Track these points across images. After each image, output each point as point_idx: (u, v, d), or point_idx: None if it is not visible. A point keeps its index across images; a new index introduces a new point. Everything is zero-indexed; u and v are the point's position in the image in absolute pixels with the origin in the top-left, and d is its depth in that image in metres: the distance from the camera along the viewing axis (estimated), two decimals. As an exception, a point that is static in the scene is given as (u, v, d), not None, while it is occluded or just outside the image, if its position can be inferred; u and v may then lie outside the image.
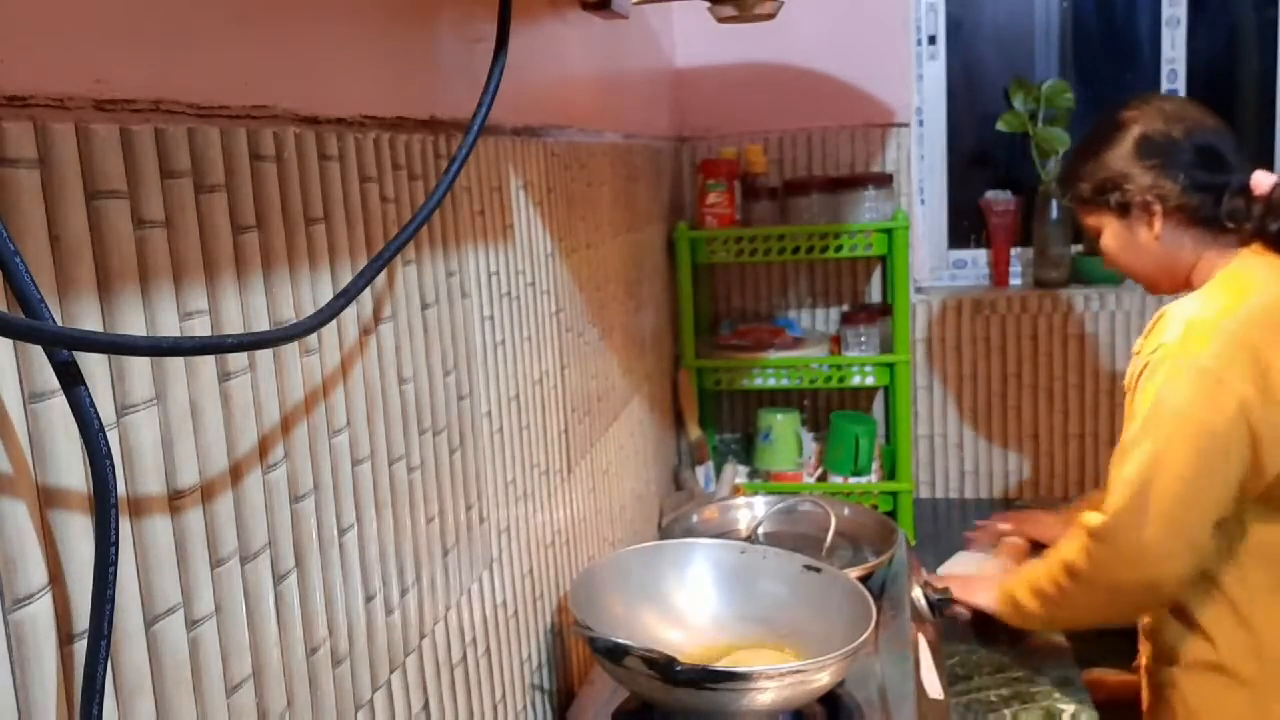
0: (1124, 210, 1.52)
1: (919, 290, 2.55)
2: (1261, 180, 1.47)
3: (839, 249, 2.24)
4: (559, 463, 1.38)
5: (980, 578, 1.74)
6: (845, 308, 2.50)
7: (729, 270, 2.55)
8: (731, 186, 2.30)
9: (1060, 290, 2.45)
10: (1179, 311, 1.43)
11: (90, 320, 0.55)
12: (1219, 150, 1.49)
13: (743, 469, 2.42)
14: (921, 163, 2.57)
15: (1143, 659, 1.57)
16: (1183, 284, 1.53)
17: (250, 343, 0.65)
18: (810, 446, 2.42)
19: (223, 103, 0.66)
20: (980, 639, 1.68)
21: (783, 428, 2.37)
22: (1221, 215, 1.47)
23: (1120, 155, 1.52)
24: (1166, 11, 2.49)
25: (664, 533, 1.77)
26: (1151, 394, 1.38)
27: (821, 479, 2.32)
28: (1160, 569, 1.39)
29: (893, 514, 2.20)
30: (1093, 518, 1.44)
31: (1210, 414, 1.35)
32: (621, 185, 1.82)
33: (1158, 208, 1.49)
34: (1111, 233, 1.55)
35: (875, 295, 2.52)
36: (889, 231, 2.22)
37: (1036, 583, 1.54)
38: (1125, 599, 1.45)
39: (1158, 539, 1.37)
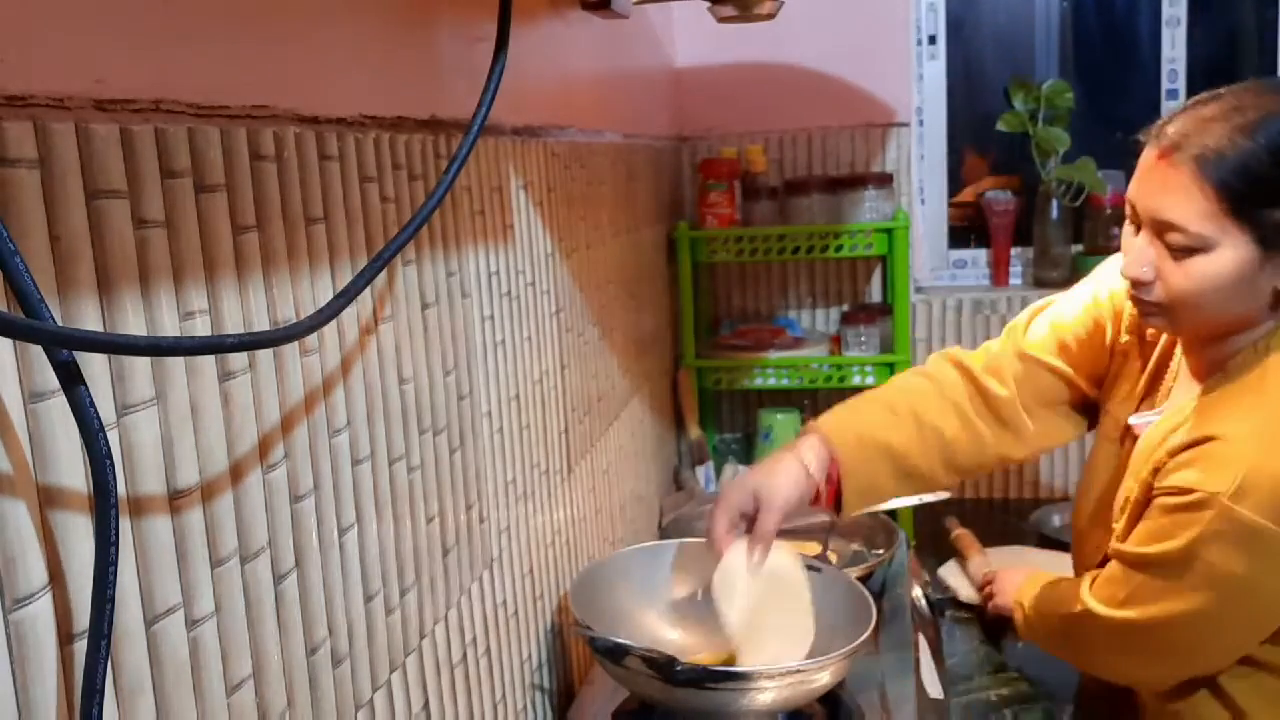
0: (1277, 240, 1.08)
1: (919, 290, 2.55)
2: None
3: (839, 249, 2.24)
4: (559, 463, 1.38)
5: (1015, 573, 1.54)
6: (845, 308, 2.50)
7: (729, 270, 2.55)
8: (731, 186, 2.30)
9: (1060, 290, 2.45)
10: (1238, 450, 1.09)
11: (90, 320, 0.55)
12: None
13: (743, 469, 2.41)
14: (921, 163, 2.57)
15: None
16: (1224, 351, 1.17)
17: (250, 343, 0.65)
18: (810, 446, 2.41)
19: (223, 103, 0.66)
20: (986, 636, 1.66)
21: (783, 428, 2.37)
22: None
23: None
24: (1166, 11, 2.49)
25: (664, 533, 1.77)
26: (1191, 536, 1.11)
27: (821, 479, 2.31)
28: (1156, 679, 1.24)
29: (893, 514, 2.20)
30: (1100, 607, 1.21)
31: (1272, 579, 1.11)
32: (621, 185, 1.82)
33: None
34: (1234, 258, 1.08)
35: (875, 295, 2.52)
36: (889, 231, 2.22)
37: (1043, 610, 1.34)
38: (1111, 676, 1.30)
39: (1164, 666, 1.21)
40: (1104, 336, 1.35)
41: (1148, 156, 1.14)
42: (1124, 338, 1.33)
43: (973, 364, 1.41)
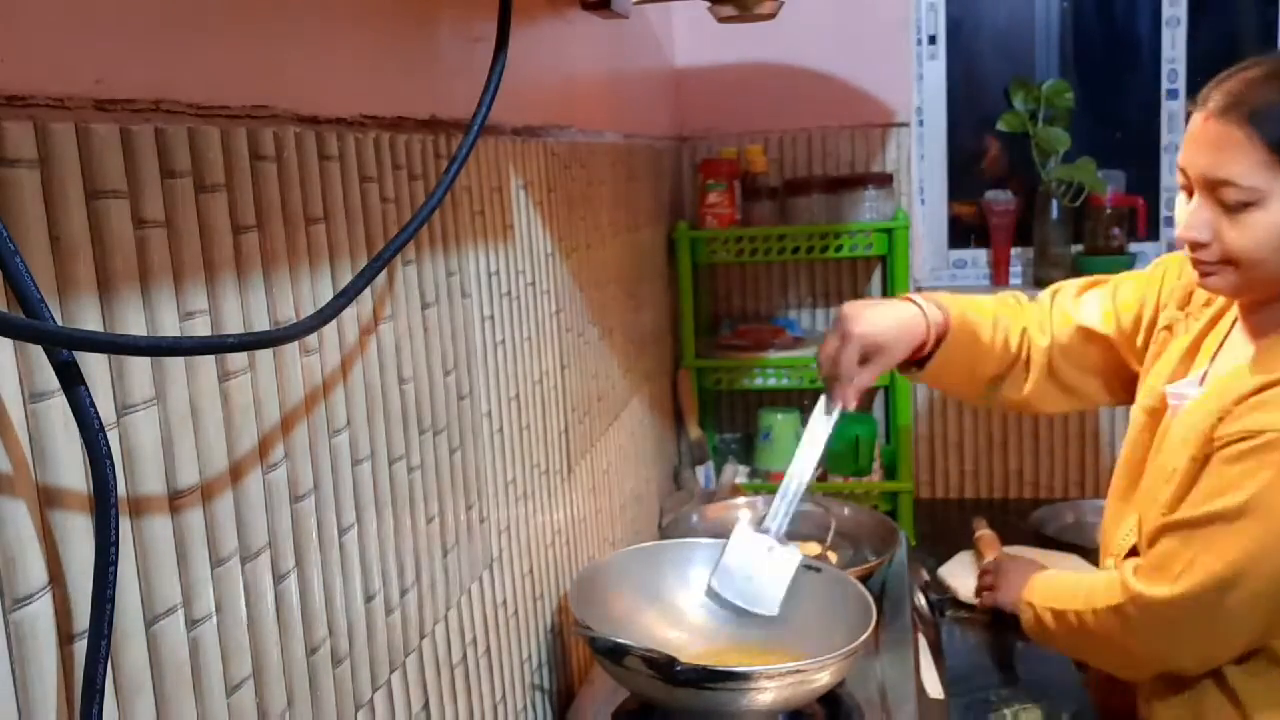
0: None
1: (919, 290, 2.55)
2: None
3: (839, 249, 2.24)
4: (559, 463, 1.38)
5: (1020, 567, 1.54)
6: (845, 308, 2.50)
7: (729, 270, 2.55)
8: (731, 186, 2.30)
9: (1060, 290, 2.45)
10: None
11: (90, 320, 0.55)
12: None
13: (743, 469, 2.42)
14: (921, 163, 2.57)
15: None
16: None
17: (250, 343, 0.65)
18: (810, 446, 2.41)
19: (223, 103, 0.66)
20: (987, 636, 1.66)
21: (783, 428, 2.37)
22: None
23: None
24: (1166, 11, 2.49)
25: (664, 533, 1.77)
26: (1260, 484, 1.10)
27: (821, 479, 2.32)
28: (1201, 661, 1.20)
29: (893, 514, 2.20)
30: (1151, 588, 1.18)
31: None
32: (621, 185, 1.82)
33: None
34: None
35: (875, 295, 2.52)
36: (889, 231, 2.22)
37: (1064, 607, 1.32)
38: (1148, 667, 1.26)
39: (1215, 640, 1.18)
40: (1149, 314, 1.39)
41: (1195, 122, 1.16)
42: (1165, 316, 1.36)
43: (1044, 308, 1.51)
